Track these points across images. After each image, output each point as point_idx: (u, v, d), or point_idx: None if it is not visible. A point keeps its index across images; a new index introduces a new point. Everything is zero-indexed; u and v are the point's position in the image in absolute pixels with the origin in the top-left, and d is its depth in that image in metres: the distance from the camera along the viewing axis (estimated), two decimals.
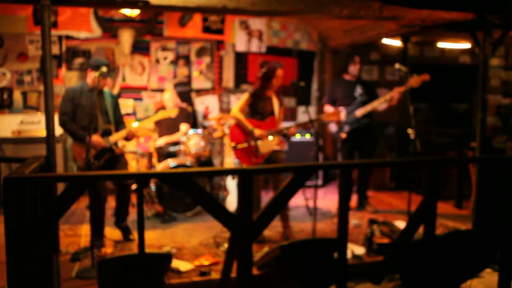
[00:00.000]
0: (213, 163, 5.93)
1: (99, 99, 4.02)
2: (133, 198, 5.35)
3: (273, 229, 4.33)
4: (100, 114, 4.05)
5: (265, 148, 4.23)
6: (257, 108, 4.30)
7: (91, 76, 4.01)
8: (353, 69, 5.14)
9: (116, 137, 4.09)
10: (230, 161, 6.40)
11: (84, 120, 3.99)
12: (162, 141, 5.30)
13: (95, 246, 3.76)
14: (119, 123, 4.29)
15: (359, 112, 4.95)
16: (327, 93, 5.31)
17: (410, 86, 4.54)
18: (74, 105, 4.00)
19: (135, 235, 4.23)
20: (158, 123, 5.33)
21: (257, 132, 4.20)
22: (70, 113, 3.99)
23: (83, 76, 6.00)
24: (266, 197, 5.40)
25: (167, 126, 5.36)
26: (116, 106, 4.27)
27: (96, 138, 3.93)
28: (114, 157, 4.11)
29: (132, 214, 5.00)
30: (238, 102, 4.40)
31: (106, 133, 4.06)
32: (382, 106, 4.93)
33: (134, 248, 3.88)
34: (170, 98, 5.43)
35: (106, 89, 4.28)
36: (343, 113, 5.03)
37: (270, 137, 4.23)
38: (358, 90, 5.09)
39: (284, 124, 4.45)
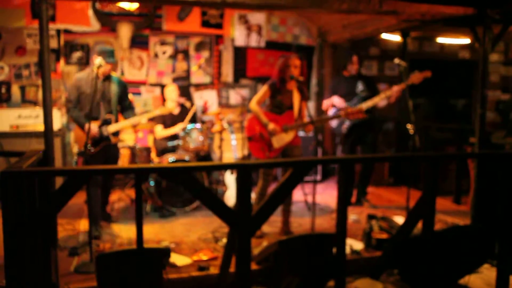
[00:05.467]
0: (212, 158, 5.93)
1: (103, 87, 4.18)
2: (132, 193, 5.36)
3: (272, 224, 4.33)
4: (102, 102, 4.17)
5: (278, 143, 4.13)
6: (275, 101, 4.19)
7: (95, 63, 4.06)
8: (351, 68, 5.15)
9: (114, 127, 4.20)
10: (229, 156, 6.40)
11: (87, 107, 4.11)
12: (161, 132, 5.29)
13: (93, 237, 3.80)
14: (127, 109, 4.43)
15: (362, 107, 4.94)
16: (329, 91, 5.28)
17: (411, 82, 4.53)
18: (79, 92, 4.16)
19: (122, 228, 4.25)
20: (161, 120, 5.32)
21: (271, 126, 4.08)
22: (74, 100, 4.17)
23: (81, 70, 5.98)
24: None
25: (171, 123, 5.33)
26: (123, 93, 4.36)
27: (91, 128, 4.02)
28: (109, 146, 4.25)
29: (131, 209, 5.02)
30: (256, 94, 4.31)
31: (105, 123, 4.17)
32: (382, 103, 4.92)
33: (132, 243, 3.88)
34: (172, 93, 5.40)
35: (115, 75, 4.34)
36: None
37: (285, 132, 4.15)
38: (360, 87, 5.09)
39: (304, 119, 4.32)
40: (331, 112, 5.15)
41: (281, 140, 4.14)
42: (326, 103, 5.23)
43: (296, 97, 4.21)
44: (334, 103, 5.11)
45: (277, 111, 4.19)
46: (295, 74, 4.05)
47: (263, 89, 4.20)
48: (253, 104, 4.18)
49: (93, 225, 4.00)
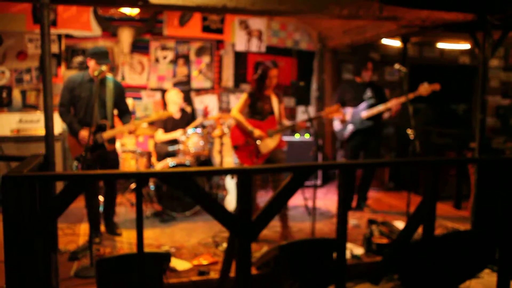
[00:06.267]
0: (212, 163, 5.93)
1: (98, 90, 3.89)
2: (132, 198, 5.36)
3: (272, 229, 4.32)
4: (97, 107, 3.91)
5: (265, 148, 4.23)
6: (256, 108, 4.30)
7: (90, 65, 3.98)
8: (365, 74, 5.14)
9: (109, 133, 4.03)
10: (230, 160, 6.40)
11: (82, 112, 3.97)
12: (161, 136, 5.30)
13: (93, 243, 3.80)
14: (125, 114, 4.27)
15: (365, 114, 4.97)
16: (337, 95, 5.30)
17: (419, 94, 4.58)
18: (72, 96, 3.96)
19: (123, 232, 4.25)
20: (161, 124, 5.32)
21: (257, 132, 4.19)
22: (67, 104, 3.98)
23: None
24: (266, 197, 5.40)
25: (172, 127, 5.34)
26: (120, 96, 4.18)
27: (84, 134, 3.87)
28: (105, 154, 4.07)
29: (131, 213, 5.02)
30: (237, 103, 4.39)
31: (100, 129, 3.99)
32: (386, 113, 5.00)
33: (133, 247, 3.88)
34: (175, 97, 5.40)
35: (110, 77, 4.17)
36: (348, 113, 5.05)
37: (270, 137, 4.24)
38: (368, 93, 5.10)
39: (286, 121, 4.44)
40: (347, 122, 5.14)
41: (267, 145, 4.24)
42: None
43: (275, 102, 4.34)
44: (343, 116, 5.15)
45: (259, 117, 4.31)
46: (273, 84, 4.23)
47: (243, 98, 4.30)
48: (236, 113, 4.27)
49: (92, 232, 3.97)
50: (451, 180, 5.76)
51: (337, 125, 5.20)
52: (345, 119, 5.08)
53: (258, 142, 4.19)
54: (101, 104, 4.03)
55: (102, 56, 3.95)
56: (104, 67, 3.81)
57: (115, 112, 4.28)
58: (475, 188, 4.22)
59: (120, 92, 4.22)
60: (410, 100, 4.39)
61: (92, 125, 3.83)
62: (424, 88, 4.59)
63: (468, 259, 3.06)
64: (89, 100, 3.93)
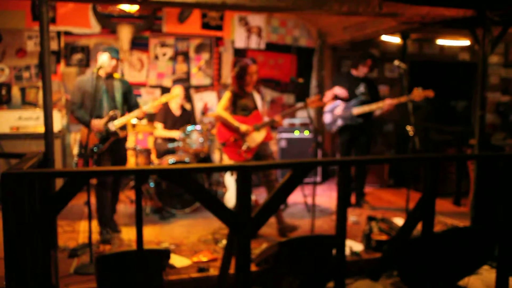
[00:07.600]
0: (212, 160, 5.93)
1: (106, 85, 4.14)
2: (132, 194, 5.36)
3: (272, 226, 4.33)
4: (106, 100, 4.13)
5: (253, 142, 4.27)
6: (239, 105, 4.34)
7: (102, 58, 4.10)
8: (362, 69, 5.13)
9: (121, 121, 4.15)
10: None
11: (91, 106, 4.08)
12: (160, 132, 5.29)
13: (103, 240, 3.92)
14: (134, 108, 4.37)
15: (356, 110, 4.97)
16: (332, 84, 5.30)
17: (412, 98, 4.58)
18: (82, 93, 4.12)
19: (122, 229, 4.26)
20: (163, 120, 5.32)
21: (243, 127, 4.23)
22: (78, 102, 4.13)
23: (81, 72, 6.00)
24: (264, 193, 5.39)
25: (172, 124, 5.34)
26: (128, 91, 4.33)
27: (96, 123, 4.02)
28: (118, 141, 4.20)
29: (131, 210, 5.02)
30: (221, 100, 4.41)
31: (111, 119, 4.13)
32: (377, 112, 5.00)
33: (132, 244, 3.88)
34: (179, 94, 5.38)
35: (116, 75, 4.30)
36: (340, 107, 5.04)
37: (257, 130, 4.28)
38: (361, 89, 5.10)
39: (266, 118, 4.48)
40: (331, 105, 5.13)
41: (255, 139, 4.28)
42: (327, 94, 5.22)
43: (257, 98, 4.39)
44: (335, 92, 5.12)
45: (244, 113, 4.35)
46: (254, 80, 4.25)
47: (226, 96, 4.33)
48: (221, 111, 4.30)
49: (103, 228, 4.04)
50: (450, 176, 5.77)
51: (327, 118, 5.19)
52: (335, 112, 5.07)
53: (246, 137, 4.23)
54: (110, 97, 4.18)
55: (113, 51, 4.11)
56: (104, 62, 3.95)
57: (126, 108, 4.37)
58: (475, 185, 4.23)
59: (128, 87, 4.36)
60: (403, 102, 4.39)
61: (102, 116, 4.07)
62: (418, 93, 4.60)
63: (467, 255, 3.07)
64: (97, 94, 4.02)
